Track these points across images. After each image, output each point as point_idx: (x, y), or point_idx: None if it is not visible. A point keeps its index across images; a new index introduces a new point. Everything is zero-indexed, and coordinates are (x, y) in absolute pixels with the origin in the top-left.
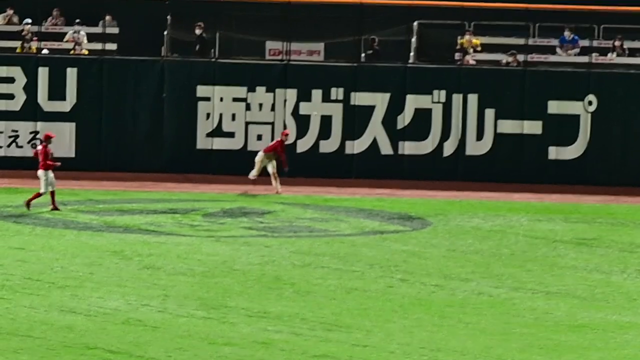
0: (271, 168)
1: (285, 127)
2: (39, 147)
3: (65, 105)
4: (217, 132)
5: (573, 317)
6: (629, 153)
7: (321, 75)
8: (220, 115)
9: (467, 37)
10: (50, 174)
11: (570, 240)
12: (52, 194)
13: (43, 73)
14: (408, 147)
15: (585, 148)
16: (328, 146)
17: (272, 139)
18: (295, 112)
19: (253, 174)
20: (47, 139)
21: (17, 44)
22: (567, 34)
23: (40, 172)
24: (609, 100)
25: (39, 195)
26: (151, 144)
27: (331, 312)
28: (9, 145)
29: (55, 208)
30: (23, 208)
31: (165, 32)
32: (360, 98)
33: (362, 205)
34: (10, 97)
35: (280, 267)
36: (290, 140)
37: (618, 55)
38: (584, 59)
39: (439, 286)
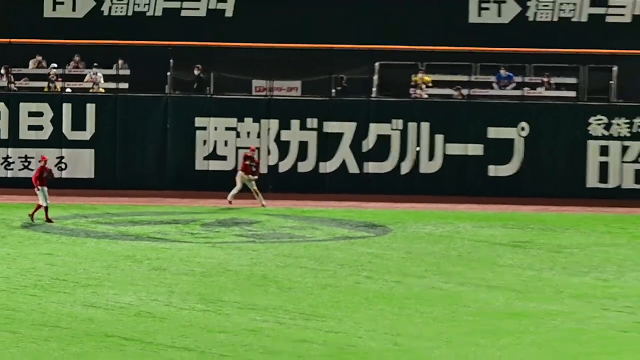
0: (251, 186)
1: (269, 151)
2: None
3: (86, 135)
4: (213, 155)
5: (510, 307)
6: (555, 170)
7: (299, 107)
8: (215, 141)
9: (419, 75)
10: (45, 189)
11: (507, 243)
12: (38, 207)
13: (67, 108)
14: (372, 167)
15: (519, 166)
16: (305, 167)
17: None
18: (277, 139)
19: (232, 193)
20: (42, 160)
21: (44, 84)
22: (502, 71)
23: (37, 189)
24: (538, 126)
25: (46, 209)
26: (157, 166)
27: (309, 305)
28: None
29: (32, 219)
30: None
31: (169, 73)
32: (331, 126)
33: (334, 215)
34: (40, 128)
35: (266, 268)
36: (272, 162)
37: (546, 89)
38: (518, 92)
39: (399, 282)
